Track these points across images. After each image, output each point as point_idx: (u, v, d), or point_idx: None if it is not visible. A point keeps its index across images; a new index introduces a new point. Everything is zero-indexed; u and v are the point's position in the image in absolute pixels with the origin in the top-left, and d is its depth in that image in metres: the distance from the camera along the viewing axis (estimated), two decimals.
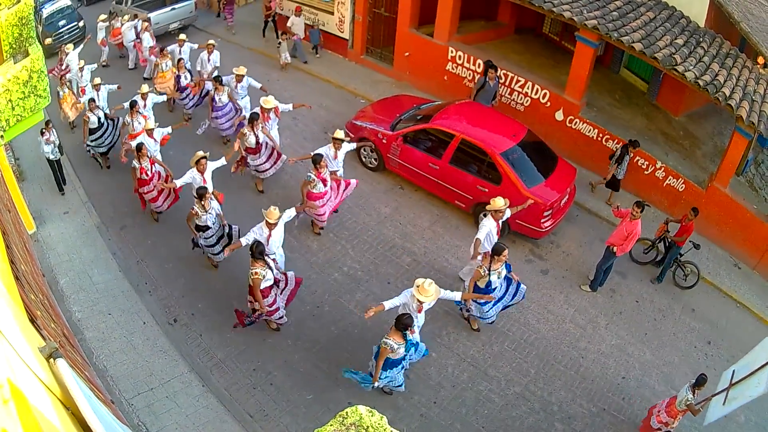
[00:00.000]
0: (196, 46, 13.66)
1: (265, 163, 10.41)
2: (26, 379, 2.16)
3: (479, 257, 7.81)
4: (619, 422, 7.68)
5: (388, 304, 6.88)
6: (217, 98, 11.43)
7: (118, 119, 11.21)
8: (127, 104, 10.74)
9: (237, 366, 7.85)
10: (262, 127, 10.18)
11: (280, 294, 7.86)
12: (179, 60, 12.79)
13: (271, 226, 7.91)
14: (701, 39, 11.05)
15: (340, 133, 9.40)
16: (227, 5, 17.48)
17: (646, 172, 10.93)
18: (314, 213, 9.35)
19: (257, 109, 10.46)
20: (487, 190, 9.66)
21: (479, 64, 12.51)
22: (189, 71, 12.97)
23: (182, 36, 13.66)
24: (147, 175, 9.43)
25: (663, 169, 10.69)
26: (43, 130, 10.17)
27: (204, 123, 11.73)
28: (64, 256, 9.39)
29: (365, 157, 11.32)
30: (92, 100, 10.98)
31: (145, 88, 11.31)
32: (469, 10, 13.36)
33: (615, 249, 8.76)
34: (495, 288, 7.66)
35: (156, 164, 9.71)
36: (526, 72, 12.34)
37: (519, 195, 9.36)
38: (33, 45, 5.49)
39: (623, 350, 8.60)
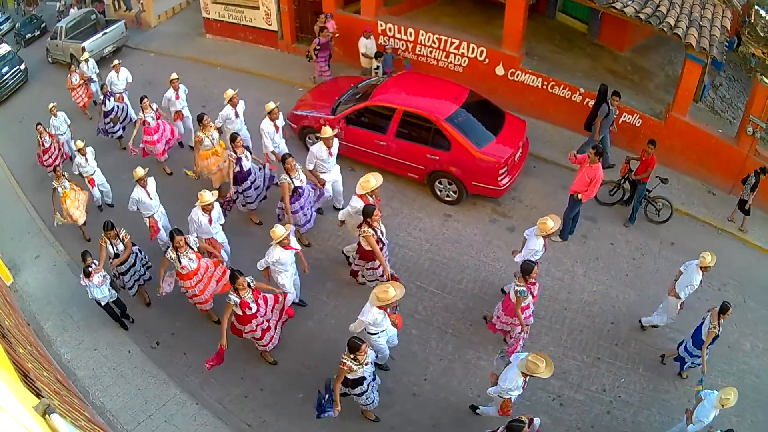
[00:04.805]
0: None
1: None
2: None
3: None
4: (617, 368, 7.47)
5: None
6: (293, 181, 8.30)
7: (144, 255, 8.53)
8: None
9: (225, 377, 7.64)
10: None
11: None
12: (233, 137, 8.94)
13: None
14: None
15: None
16: (321, 51, 12.70)
17: None
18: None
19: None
20: (438, 157, 9.30)
21: (410, 33, 12.14)
22: (248, 150, 9.47)
23: (230, 91, 9.84)
24: (250, 309, 6.89)
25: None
26: (90, 271, 7.62)
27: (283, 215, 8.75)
28: (43, 301, 9.18)
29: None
30: (112, 226, 7.83)
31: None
32: None
33: (580, 196, 8.44)
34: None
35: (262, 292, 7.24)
36: (460, 32, 11.97)
37: (471, 157, 9.03)
38: None
39: (607, 295, 8.37)
